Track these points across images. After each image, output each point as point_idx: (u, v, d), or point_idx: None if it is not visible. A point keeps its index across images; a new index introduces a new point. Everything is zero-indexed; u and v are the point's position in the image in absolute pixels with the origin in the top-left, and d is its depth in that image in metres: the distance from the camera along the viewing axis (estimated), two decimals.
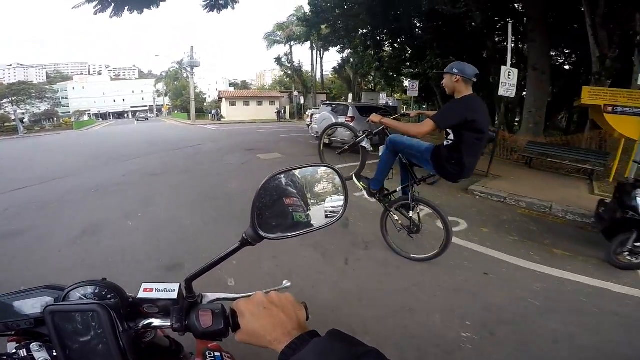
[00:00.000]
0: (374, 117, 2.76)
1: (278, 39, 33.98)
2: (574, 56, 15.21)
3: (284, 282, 0.73)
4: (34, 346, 0.60)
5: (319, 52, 36.07)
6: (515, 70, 6.63)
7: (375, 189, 3.07)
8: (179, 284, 0.63)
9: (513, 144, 9.27)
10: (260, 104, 35.82)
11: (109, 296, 0.60)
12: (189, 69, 33.28)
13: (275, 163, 7.92)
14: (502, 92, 6.64)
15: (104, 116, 71.64)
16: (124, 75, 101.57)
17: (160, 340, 0.70)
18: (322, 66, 37.78)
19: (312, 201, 0.67)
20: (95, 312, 0.54)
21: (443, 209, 2.84)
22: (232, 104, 35.08)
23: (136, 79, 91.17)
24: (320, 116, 10.09)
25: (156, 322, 0.61)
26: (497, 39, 13.23)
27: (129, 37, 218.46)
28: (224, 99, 35.76)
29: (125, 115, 74.32)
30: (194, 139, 14.21)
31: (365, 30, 18.96)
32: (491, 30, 12.77)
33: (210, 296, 0.67)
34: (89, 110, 69.53)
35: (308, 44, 35.33)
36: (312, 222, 0.65)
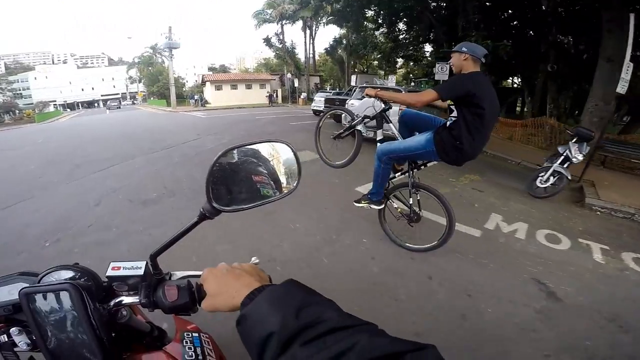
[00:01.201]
0: (369, 91, 2.70)
1: (268, 17, 30.58)
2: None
3: (253, 258, 0.68)
4: (14, 330, 0.61)
5: (311, 33, 32.95)
6: (632, 65, 5.89)
7: (378, 199, 2.89)
8: (145, 261, 0.64)
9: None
10: (249, 87, 32.50)
11: (82, 279, 0.62)
12: (166, 52, 29.77)
13: (336, 174, 4.78)
14: (619, 89, 5.82)
15: (71, 106, 66.36)
16: (92, 63, 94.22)
17: (142, 325, 0.72)
18: (314, 47, 34.68)
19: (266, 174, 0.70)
20: (67, 290, 0.55)
21: (445, 196, 2.69)
22: (218, 87, 31.56)
23: (105, 66, 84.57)
24: (363, 102, 7.70)
25: (126, 299, 0.63)
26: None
27: (95, 24, 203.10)
28: (208, 83, 32.02)
29: (96, 105, 69.27)
30: (184, 130, 11.43)
31: (377, 8, 16.81)
32: (557, 20, 11.00)
33: (179, 274, 0.68)
34: (55, 101, 64.06)
35: (299, 24, 32.38)
36: (268, 194, 0.68)
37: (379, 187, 2.84)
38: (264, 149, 0.71)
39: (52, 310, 0.57)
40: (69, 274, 0.63)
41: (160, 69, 52.56)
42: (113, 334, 0.62)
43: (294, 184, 0.73)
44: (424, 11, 15.58)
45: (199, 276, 0.62)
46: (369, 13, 18.94)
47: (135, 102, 58.08)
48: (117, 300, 0.63)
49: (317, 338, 0.38)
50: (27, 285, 0.60)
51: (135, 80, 59.60)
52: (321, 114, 3.29)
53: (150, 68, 53.68)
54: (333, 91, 20.12)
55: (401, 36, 19.85)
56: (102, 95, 70.49)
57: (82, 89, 70.85)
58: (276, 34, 32.45)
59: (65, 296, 0.56)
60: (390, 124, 2.81)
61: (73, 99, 68.63)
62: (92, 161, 6.33)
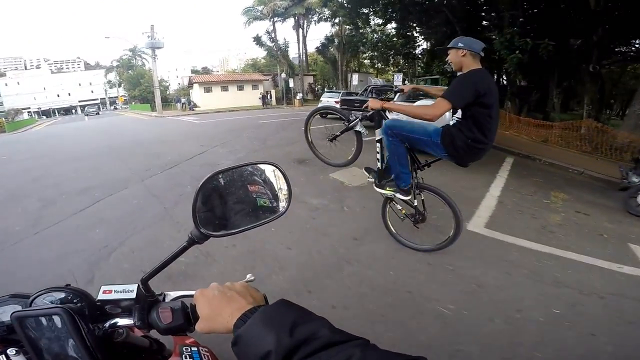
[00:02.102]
0: (373, 103, 2.50)
1: (259, 14, 28.83)
2: None
3: (248, 275, 0.69)
4: (10, 351, 0.61)
5: (303, 31, 31.35)
6: None
7: (406, 186, 2.60)
8: (137, 285, 0.64)
9: (612, 139, 8.42)
10: (241, 88, 30.56)
11: (74, 300, 0.62)
12: (146, 54, 27.63)
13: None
14: None
15: (47, 113, 62.84)
16: (67, 68, 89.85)
17: (140, 341, 0.71)
18: (306, 46, 33.02)
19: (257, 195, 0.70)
20: (59, 314, 0.55)
21: (450, 196, 2.54)
22: (207, 90, 29.45)
23: (82, 71, 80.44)
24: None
25: (121, 321, 0.62)
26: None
27: (69, 28, 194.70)
28: (196, 85, 29.81)
29: (73, 111, 65.90)
30: (182, 140, 9.67)
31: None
32: (607, 20, 10.23)
33: (172, 294, 0.67)
34: (29, 108, 60.42)
35: (290, 22, 30.74)
36: (256, 218, 0.67)
37: (401, 168, 2.55)
38: (251, 171, 0.71)
39: (46, 333, 0.56)
40: (60, 295, 0.63)
41: (141, 72, 50.36)
42: (112, 353, 0.62)
43: (286, 205, 0.71)
44: (440, 6, 14.40)
45: (192, 296, 0.60)
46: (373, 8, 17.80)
47: (117, 107, 55.37)
48: (112, 322, 0.61)
49: (312, 354, 0.39)
50: (19, 308, 0.61)
51: (115, 85, 57.23)
52: (311, 114, 3.20)
53: (130, 71, 51.78)
54: (341, 91, 18.65)
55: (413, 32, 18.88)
56: (79, 101, 67.11)
57: (58, 95, 67.30)
58: (267, 32, 30.77)
59: (57, 320, 0.56)
60: None
61: (48, 106, 65.02)
62: (68, 193, 4.58)
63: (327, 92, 18.71)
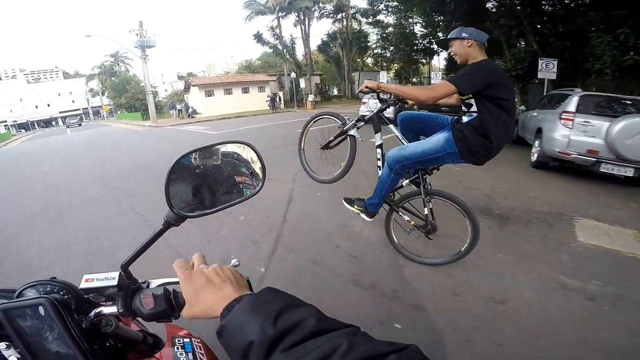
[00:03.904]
0: (369, 82, 2.34)
1: (262, 8, 25.84)
2: None
3: (233, 260, 0.66)
4: (1, 345, 0.60)
5: (306, 28, 28.43)
6: None
7: (375, 210, 2.57)
8: (118, 272, 0.64)
9: None
10: (246, 91, 27.29)
11: (60, 292, 0.62)
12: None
13: None
14: None
15: (25, 126, 58.36)
16: (45, 78, 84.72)
17: (133, 334, 0.71)
18: (309, 43, 30.00)
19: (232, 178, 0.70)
20: (43, 305, 0.56)
21: (465, 201, 2.30)
22: (209, 93, 25.98)
23: (61, 80, 75.56)
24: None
25: (105, 309, 0.62)
26: None
27: (45, 37, 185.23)
28: (195, 88, 26.05)
29: (54, 123, 61.50)
30: None
31: None
32: None
33: (157, 281, 0.67)
34: (5, 122, 56.11)
35: (292, 18, 27.86)
36: (223, 199, 0.67)
37: (381, 198, 2.49)
38: (225, 151, 0.70)
39: (33, 325, 0.57)
40: (46, 288, 0.62)
41: (126, 78, 46.90)
42: (107, 344, 0.63)
43: (260, 185, 0.71)
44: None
45: (177, 282, 0.59)
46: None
47: (103, 117, 51.54)
48: (96, 311, 0.62)
49: (298, 344, 0.38)
50: (4, 301, 0.60)
51: (98, 93, 54.19)
52: (308, 120, 2.81)
53: (113, 78, 49.03)
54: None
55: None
56: (60, 112, 62.68)
57: (36, 106, 62.72)
58: (271, 28, 27.76)
59: (42, 310, 0.56)
60: (390, 126, 2.52)
61: (26, 118, 60.39)
62: None
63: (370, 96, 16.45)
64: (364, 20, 26.18)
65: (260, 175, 0.70)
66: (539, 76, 10.35)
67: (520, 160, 6.11)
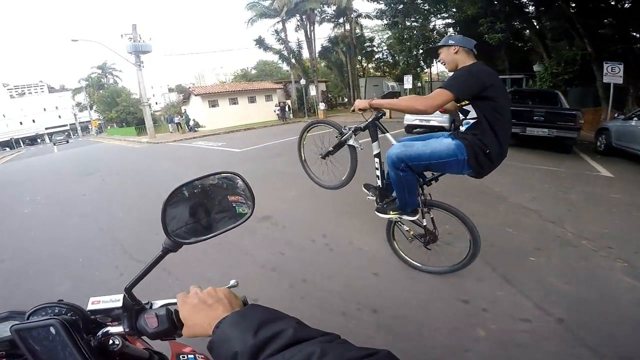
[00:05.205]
0: (360, 103, 2.25)
1: (266, 10, 23.94)
2: None
3: (232, 281, 0.70)
4: None
5: (310, 32, 26.56)
6: None
7: (412, 208, 2.37)
8: (122, 294, 0.66)
9: None
10: (252, 100, 25.14)
11: (69, 314, 0.63)
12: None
13: None
14: None
15: (9, 144, 55.14)
16: (29, 92, 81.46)
17: (139, 352, 0.72)
18: (315, 48, 28.11)
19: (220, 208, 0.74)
20: (53, 325, 0.58)
21: (463, 212, 2.27)
22: (213, 104, 23.66)
23: (46, 95, 72.48)
24: None
25: (112, 329, 0.64)
26: None
27: (28, 51, 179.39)
28: (198, 98, 23.63)
29: (39, 140, 58.52)
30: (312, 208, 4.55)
31: None
32: None
33: (159, 302, 0.69)
34: None
35: (293, 22, 26.06)
36: (219, 226, 0.71)
37: (409, 197, 2.31)
38: (215, 183, 0.75)
39: (45, 344, 0.58)
40: (54, 310, 0.64)
41: (116, 90, 44.20)
42: None
43: (250, 211, 0.75)
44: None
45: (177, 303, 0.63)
46: None
47: (92, 132, 48.85)
48: (104, 331, 0.64)
49: (276, 352, 0.40)
50: (17, 322, 0.62)
51: (85, 107, 51.32)
52: (305, 128, 2.78)
53: (102, 91, 46.30)
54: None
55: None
56: (46, 129, 60.05)
57: (21, 123, 59.84)
58: (276, 32, 25.87)
59: (53, 330, 0.58)
60: (387, 134, 2.43)
61: (10, 136, 57.33)
62: None
63: None
64: (382, 22, 24.47)
65: (251, 202, 0.75)
66: (604, 80, 9.94)
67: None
